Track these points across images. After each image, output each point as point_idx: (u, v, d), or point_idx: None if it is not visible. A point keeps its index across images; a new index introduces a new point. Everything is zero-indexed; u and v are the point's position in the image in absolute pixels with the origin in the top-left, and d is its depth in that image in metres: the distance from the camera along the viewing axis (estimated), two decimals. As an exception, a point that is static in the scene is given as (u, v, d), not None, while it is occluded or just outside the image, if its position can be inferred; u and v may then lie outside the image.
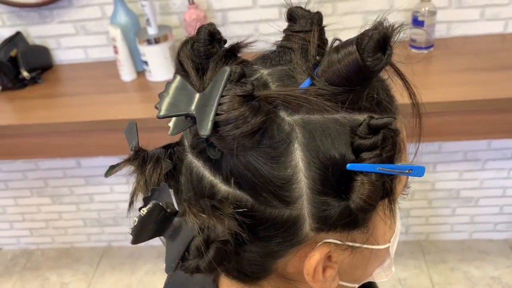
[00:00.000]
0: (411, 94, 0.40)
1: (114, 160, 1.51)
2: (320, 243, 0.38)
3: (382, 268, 0.46)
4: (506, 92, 1.13)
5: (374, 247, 0.41)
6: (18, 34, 1.49)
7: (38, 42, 1.54)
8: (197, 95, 0.33)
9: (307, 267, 0.38)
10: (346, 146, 0.35)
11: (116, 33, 1.32)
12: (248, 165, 0.35)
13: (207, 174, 0.37)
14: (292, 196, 0.35)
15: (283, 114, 0.35)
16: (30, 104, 1.35)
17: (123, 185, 1.84)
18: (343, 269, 0.41)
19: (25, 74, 1.42)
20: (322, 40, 0.40)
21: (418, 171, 0.37)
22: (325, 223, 0.36)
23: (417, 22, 1.32)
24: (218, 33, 0.38)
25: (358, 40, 0.34)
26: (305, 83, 0.36)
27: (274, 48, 0.42)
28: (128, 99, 1.33)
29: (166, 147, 0.41)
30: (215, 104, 0.32)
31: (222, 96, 0.32)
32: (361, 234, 0.39)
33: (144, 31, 1.34)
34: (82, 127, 1.26)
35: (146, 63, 1.35)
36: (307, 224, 0.36)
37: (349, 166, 0.34)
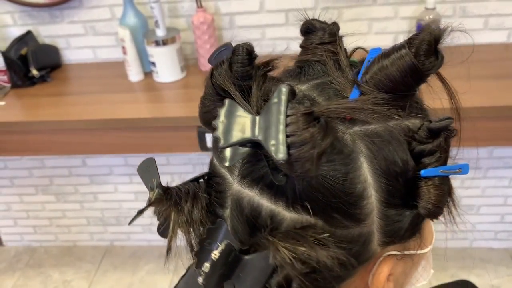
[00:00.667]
0: (453, 98, 0.39)
1: (119, 160, 1.52)
2: (382, 257, 0.37)
3: (418, 271, 0.45)
4: (508, 99, 1.14)
5: (423, 251, 0.40)
6: (28, 33, 1.52)
7: (48, 41, 1.57)
8: (258, 119, 0.31)
9: (376, 285, 0.37)
10: (406, 153, 0.34)
11: (125, 34, 1.35)
12: (319, 186, 0.33)
13: (265, 203, 0.34)
14: (363, 213, 0.34)
15: (341, 128, 0.34)
16: (38, 101, 1.37)
17: (127, 184, 1.86)
18: (395, 279, 0.40)
19: (34, 72, 1.45)
20: (344, 50, 0.40)
21: (465, 169, 0.36)
22: (394, 236, 0.36)
23: (421, 30, 1.34)
24: (254, 51, 0.36)
25: (410, 44, 0.34)
26: (354, 93, 0.35)
27: (293, 62, 0.41)
28: (134, 99, 1.35)
29: (195, 180, 0.38)
30: (282, 125, 0.29)
31: (287, 116, 0.30)
32: (415, 240, 0.38)
33: (152, 33, 1.37)
34: (89, 125, 1.28)
35: (153, 64, 1.37)
36: (376, 240, 0.35)
37: (423, 172, 0.34)
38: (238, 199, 0.36)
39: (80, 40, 1.56)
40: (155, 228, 1.69)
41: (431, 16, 1.32)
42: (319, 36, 0.40)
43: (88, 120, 1.26)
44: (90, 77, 1.51)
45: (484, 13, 1.38)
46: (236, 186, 0.36)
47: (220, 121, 0.31)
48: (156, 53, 1.35)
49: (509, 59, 1.35)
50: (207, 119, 0.37)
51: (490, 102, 1.15)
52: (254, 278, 0.33)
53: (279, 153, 0.29)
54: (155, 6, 1.31)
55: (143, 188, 2.09)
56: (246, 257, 0.34)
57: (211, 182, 0.38)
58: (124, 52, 1.37)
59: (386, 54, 0.35)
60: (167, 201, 0.36)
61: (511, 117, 1.16)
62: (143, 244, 2.04)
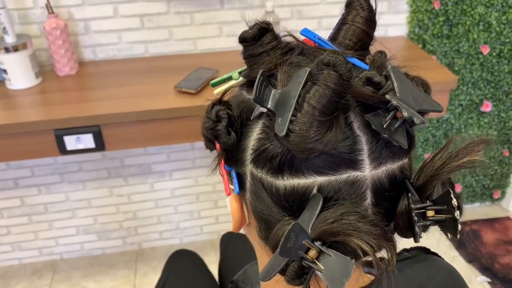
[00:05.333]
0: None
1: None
2: None
3: None
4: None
5: None
6: None
7: None
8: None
9: None
10: None
11: (-30, 41, 1.30)
12: None
13: (396, 165, 0.42)
14: None
15: None
16: None
17: (-10, 201, 1.76)
18: None
19: None
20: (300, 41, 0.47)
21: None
22: None
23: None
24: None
25: (356, 7, 0.44)
26: (356, 59, 0.44)
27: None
28: (-14, 108, 1.31)
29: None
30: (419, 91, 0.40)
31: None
32: None
33: (1, 40, 1.34)
34: None
35: (5, 71, 1.34)
36: None
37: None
38: (378, 181, 0.40)
39: None
40: (25, 245, 1.71)
41: (271, 19, 1.48)
42: (270, 39, 0.44)
43: None
44: None
45: (317, 15, 1.58)
46: (370, 173, 0.39)
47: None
48: (7, 60, 1.32)
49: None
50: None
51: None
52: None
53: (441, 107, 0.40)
54: (1, 13, 1.29)
55: (7, 203, 1.98)
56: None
57: (340, 199, 0.39)
58: (-29, 61, 1.32)
59: (344, 17, 0.45)
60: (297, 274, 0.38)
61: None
62: (14, 263, 1.94)
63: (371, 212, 0.40)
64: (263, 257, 0.47)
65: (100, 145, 1.26)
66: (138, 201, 1.88)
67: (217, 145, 0.45)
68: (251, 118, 0.41)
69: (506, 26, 1.69)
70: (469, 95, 1.85)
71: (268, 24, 0.44)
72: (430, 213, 0.40)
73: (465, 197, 2.16)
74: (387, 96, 0.37)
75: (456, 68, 1.76)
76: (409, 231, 0.41)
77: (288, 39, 0.46)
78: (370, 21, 0.44)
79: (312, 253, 0.36)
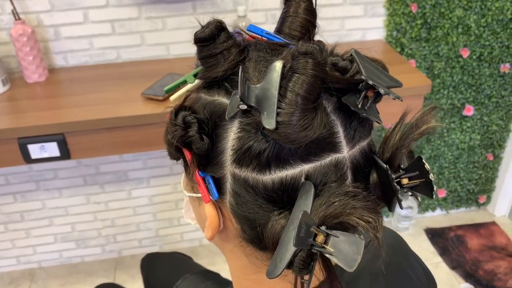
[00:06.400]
0: None
1: None
2: None
3: None
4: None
5: None
6: None
7: None
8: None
9: None
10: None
11: None
12: None
13: (366, 142, 0.43)
14: None
15: None
16: None
17: (-35, 210, 1.74)
18: None
19: None
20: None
21: None
22: None
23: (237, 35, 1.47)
24: None
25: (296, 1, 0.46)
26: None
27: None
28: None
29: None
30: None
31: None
32: None
33: (-33, 47, 1.32)
34: None
35: (-29, 78, 1.32)
36: None
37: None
38: (355, 159, 0.42)
39: None
40: (2, 254, 1.67)
41: (243, 23, 1.45)
42: (230, 33, 0.43)
43: None
44: None
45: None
46: (348, 153, 0.41)
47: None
48: (-27, 67, 1.30)
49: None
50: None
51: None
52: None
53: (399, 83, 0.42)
54: (-34, 19, 1.27)
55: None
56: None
57: (327, 182, 0.40)
58: None
59: (286, 11, 0.45)
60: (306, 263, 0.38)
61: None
62: (-9, 272, 1.92)
63: (351, 184, 0.42)
64: (240, 258, 0.47)
65: (65, 154, 1.24)
66: (116, 209, 1.86)
67: (187, 153, 0.43)
68: (227, 118, 0.40)
69: (486, 29, 1.67)
70: (451, 99, 1.82)
71: (221, 22, 0.44)
72: (404, 181, 0.42)
73: (450, 202, 2.13)
74: (363, 77, 0.38)
75: (436, 72, 1.74)
76: (383, 202, 0.43)
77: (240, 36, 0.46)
78: (312, 11, 0.45)
79: (320, 239, 0.37)
